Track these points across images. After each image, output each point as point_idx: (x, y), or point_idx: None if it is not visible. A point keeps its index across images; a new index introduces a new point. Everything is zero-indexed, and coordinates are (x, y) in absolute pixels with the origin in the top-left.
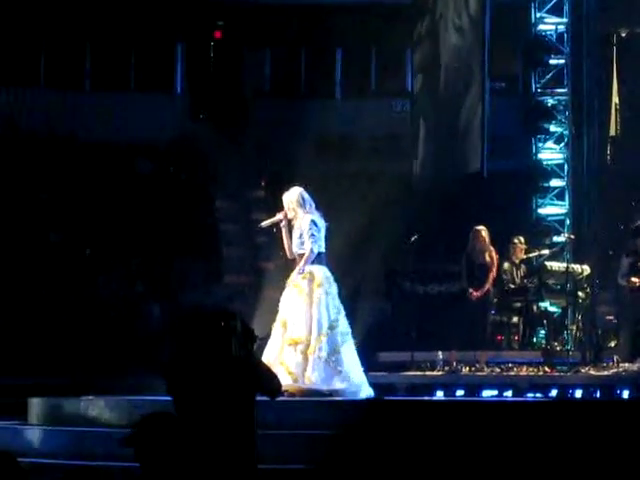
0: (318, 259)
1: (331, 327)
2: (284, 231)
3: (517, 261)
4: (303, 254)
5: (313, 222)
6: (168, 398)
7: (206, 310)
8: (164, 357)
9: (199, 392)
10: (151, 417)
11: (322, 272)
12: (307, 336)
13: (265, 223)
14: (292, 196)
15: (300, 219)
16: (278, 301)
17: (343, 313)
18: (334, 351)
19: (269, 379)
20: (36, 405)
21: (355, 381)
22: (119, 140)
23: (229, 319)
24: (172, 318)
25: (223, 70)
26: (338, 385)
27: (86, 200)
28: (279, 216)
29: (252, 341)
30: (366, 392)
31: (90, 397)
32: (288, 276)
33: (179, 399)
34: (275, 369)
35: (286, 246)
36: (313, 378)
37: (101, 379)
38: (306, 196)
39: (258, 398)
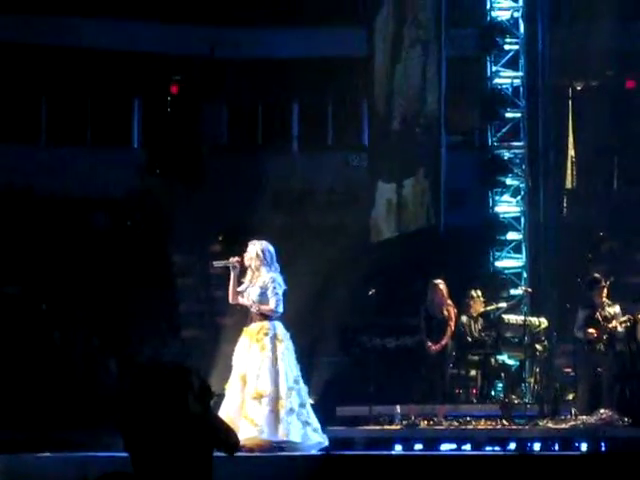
0: (279, 317)
1: (296, 381)
2: (233, 275)
3: (475, 314)
4: (265, 311)
5: (276, 280)
6: (125, 454)
7: (162, 365)
8: (120, 413)
9: (155, 448)
10: (105, 478)
11: (281, 328)
12: (273, 390)
13: (217, 263)
14: (258, 247)
15: (263, 274)
16: None
17: (299, 370)
18: (303, 404)
19: (226, 435)
20: None
21: (322, 434)
22: (75, 194)
23: (185, 375)
24: (128, 373)
25: (180, 124)
26: (311, 437)
27: (43, 253)
28: (233, 260)
29: (209, 397)
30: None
31: (46, 453)
32: (242, 330)
33: (136, 455)
34: (237, 423)
35: (230, 290)
36: (286, 430)
37: (58, 434)
38: (272, 253)
39: (216, 454)
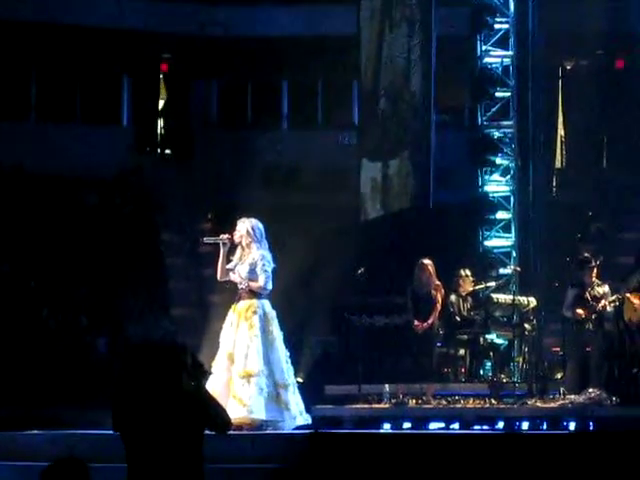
0: (267, 295)
1: (287, 361)
2: (222, 251)
3: (464, 293)
4: (255, 288)
5: (265, 258)
6: (112, 432)
7: (156, 344)
8: (112, 390)
9: (147, 427)
10: (59, 463)
11: (270, 307)
12: (261, 369)
13: (208, 239)
14: (248, 225)
15: (252, 251)
16: None
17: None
18: (286, 384)
19: (219, 414)
20: None
21: (305, 415)
22: (65, 172)
23: (179, 353)
24: (117, 351)
25: (169, 102)
26: (293, 415)
27: (32, 231)
28: (224, 237)
29: (202, 376)
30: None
31: (34, 431)
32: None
33: (127, 433)
34: (225, 402)
35: (219, 268)
36: (267, 409)
37: (46, 411)
38: (262, 230)
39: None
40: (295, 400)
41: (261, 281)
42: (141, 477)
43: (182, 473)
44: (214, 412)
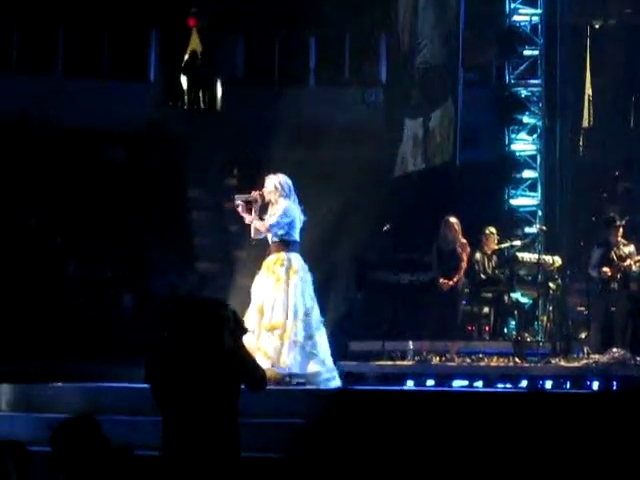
0: (294, 247)
1: (306, 313)
2: (254, 210)
3: (489, 252)
4: (277, 241)
5: (287, 210)
6: (136, 385)
7: (200, 299)
8: (146, 343)
9: (184, 382)
10: (67, 424)
11: (298, 260)
12: (284, 321)
13: (239, 197)
14: (276, 180)
15: (276, 205)
16: (250, 289)
17: (316, 302)
18: (310, 336)
19: (256, 371)
20: (5, 392)
21: (330, 366)
22: (91, 126)
23: (222, 309)
24: (142, 306)
25: (196, 57)
26: (313, 369)
27: (58, 185)
28: (254, 194)
29: (242, 332)
30: (337, 381)
31: (59, 384)
32: (261, 264)
33: (161, 387)
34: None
35: (252, 225)
36: (288, 361)
37: (70, 366)
38: (289, 184)
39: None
40: (317, 351)
41: (267, 222)
42: (177, 431)
43: (218, 427)
44: (252, 369)
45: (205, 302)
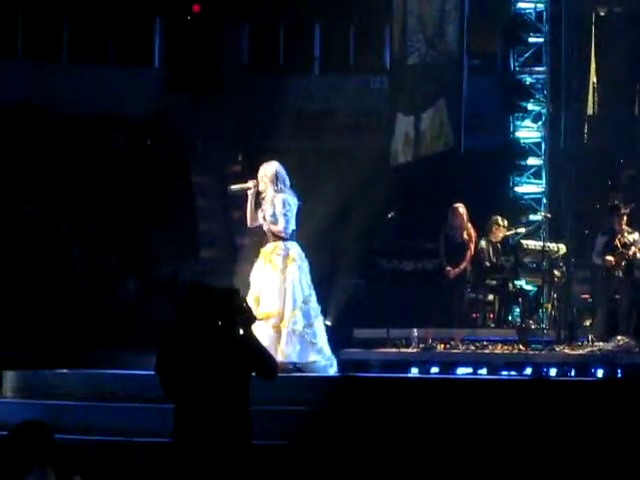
0: (291, 236)
1: (305, 302)
2: (250, 199)
3: (494, 240)
4: (275, 232)
5: (285, 201)
6: (140, 372)
7: (213, 286)
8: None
9: (196, 369)
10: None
11: (295, 248)
12: (279, 310)
13: (234, 187)
14: (268, 170)
15: (271, 196)
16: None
17: (314, 290)
18: (309, 324)
19: (267, 360)
20: (10, 378)
21: (327, 354)
22: (95, 112)
23: (233, 296)
24: (147, 291)
25: (201, 44)
26: (313, 358)
27: (62, 172)
28: (250, 184)
29: (253, 321)
30: (334, 369)
31: (64, 370)
32: (259, 252)
33: (172, 376)
34: None
35: (248, 214)
36: (287, 351)
37: (75, 352)
38: (282, 173)
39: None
40: (317, 340)
41: (280, 225)
42: (189, 418)
43: (230, 415)
44: (263, 358)
45: (217, 290)
